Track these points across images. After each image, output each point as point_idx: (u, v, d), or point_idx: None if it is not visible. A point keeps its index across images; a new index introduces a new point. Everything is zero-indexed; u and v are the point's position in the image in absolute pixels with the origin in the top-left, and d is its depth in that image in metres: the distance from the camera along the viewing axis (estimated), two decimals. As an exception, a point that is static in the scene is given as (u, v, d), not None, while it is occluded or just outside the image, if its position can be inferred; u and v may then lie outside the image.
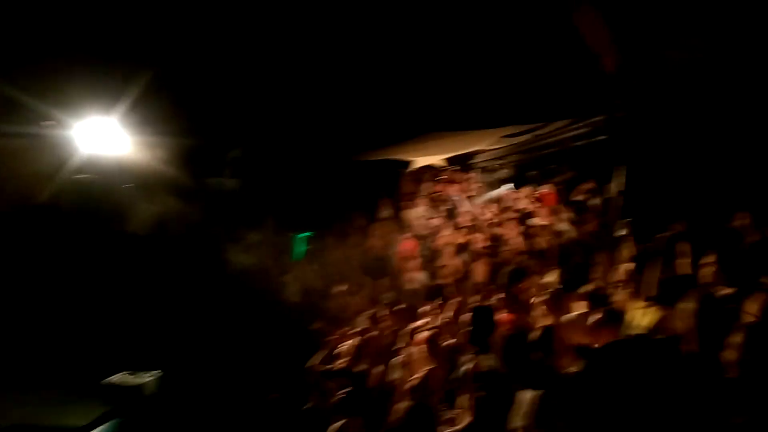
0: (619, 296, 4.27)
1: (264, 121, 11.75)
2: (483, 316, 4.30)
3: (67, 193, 10.26)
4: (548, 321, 4.39)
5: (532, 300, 4.80)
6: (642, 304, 3.82)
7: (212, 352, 7.10)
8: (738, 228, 5.14)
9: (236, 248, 9.26)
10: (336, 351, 5.76)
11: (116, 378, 6.36)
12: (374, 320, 6.15)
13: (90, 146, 9.94)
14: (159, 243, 9.81)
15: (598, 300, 4.37)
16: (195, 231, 9.55)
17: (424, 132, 10.99)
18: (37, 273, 9.06)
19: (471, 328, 4.16)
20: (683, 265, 4.16)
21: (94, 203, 10.24)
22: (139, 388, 6.21)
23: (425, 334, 4.34)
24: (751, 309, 2.92)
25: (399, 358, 4.31)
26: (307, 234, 9.94)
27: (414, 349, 4.33)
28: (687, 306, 2.80)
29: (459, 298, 5.31)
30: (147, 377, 6.44)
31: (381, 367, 4.76)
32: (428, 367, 4.12)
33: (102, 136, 9.96)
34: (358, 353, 5.16)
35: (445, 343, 4.38)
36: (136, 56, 10.64)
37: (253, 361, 6.98)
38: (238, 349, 7.08)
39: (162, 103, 10.47)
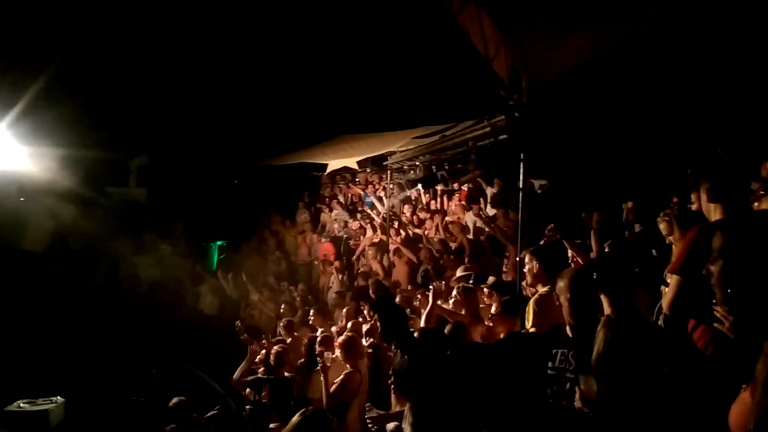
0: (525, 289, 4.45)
1: (172, 126, 11.30)
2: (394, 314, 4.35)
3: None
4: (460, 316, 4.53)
5: (444, 296, 4.92)
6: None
7: (121, 373, 6.73)
8: (625, 218, 5.54)
9: (145, 260, 8.83)
10: (257, 360, 5.66)
11: (14, 406, 5.87)
12: (291, 326, 6.09)
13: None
14: (57, 259, 9.17)
15: (503, 292, 4.56)
16: (98, 244, 8.99)
17: (337, 134, 10.99)
18: None
19: (382, 328, 4.19)
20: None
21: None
22: (44, 414, 5.77)
23: (341, 338, 4.35)
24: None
25: (318, 364, 4.30)
26: (222, 242, 9.65)
27: (331, 354, 4.33)
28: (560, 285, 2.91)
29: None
30: (49, 404, 5.99)
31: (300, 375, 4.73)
32: (346, 371, 4.13)
33: (-9, 146, 9.18)
34: (278, 360, 5.09)
35: (364, 345, 4.41)
36: (28, 58, 9.92)
37: (168, 378, 6.71)
38: (151, 367, 6.75)
39: (59, 109, 9.80)
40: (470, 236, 7.11)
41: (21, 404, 5.88)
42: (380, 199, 9.23)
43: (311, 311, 6.43)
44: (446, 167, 8.94)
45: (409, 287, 6.52)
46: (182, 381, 6.71)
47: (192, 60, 11.21)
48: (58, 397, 6.04)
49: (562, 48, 5.15)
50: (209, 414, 4.25)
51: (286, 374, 5.09)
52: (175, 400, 5.11)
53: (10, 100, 9.30)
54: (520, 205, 5.61)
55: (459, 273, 5.32)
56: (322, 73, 11.93)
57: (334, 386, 4.10)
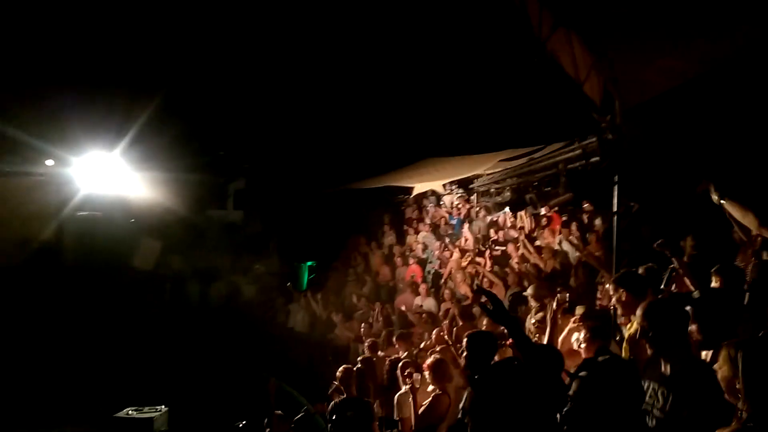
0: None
1: (268, 152, 11.91)
2: (481, 341, 4.32)
3: (70, 230, 10.33)
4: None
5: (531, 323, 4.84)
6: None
7: (220, 385, 7.10)
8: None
9: (242, 279, 9.30)
10: (339, 381, 5.73)
11: (123, 413, 6.35)
12: (376, 347, 6.15)
13: (91, 183, 10.04)
14: (164, 278, 9.85)
15: (593, 320, 4.40)
16: (200, 264, 9.58)
17: (423, 157, 11.12)
18: (43, 312, 9.06)
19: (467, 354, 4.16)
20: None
21: (97, 240, 10.30)
22: (149, 421, 6.20)
23: (429, 360, 4.35)
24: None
25: (405, 387, 4.32)
26: (312, 263, 9.98)
27: (418, 376, 4.34)
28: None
29: (467, 323, 5.33)
30: (154, 412, 6.42)
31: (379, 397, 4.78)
32: (435, 394, 4.13)
33: (103, 172, 10.06)
34: (361, 381, 5.13)
35: (453, 369, 4.39)
36: (136, 92, 10.82)
37: (260, 393, 6.97)
38: (246, 381, 7.07)
39: (163, 138, 10.62)
40: (561, 262, 6.93)
41: (129, 411, 6.34)
42: (468, 222, 9.21)
43: (395, 333, 6.48)
44: (535, 190, 8.82)
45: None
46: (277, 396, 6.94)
47: (286, 86, 11.79)
48: (163, 406, 6.45)
49: (654, 70, 5.03)
50: (297, 417, 4.36)
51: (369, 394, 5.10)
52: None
53: (123, 128, 10.22)
54: (615, 229, 5.42)
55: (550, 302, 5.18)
56: (411, 96, 12.14)
57: (422, 408, 4.11)
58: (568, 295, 4.55)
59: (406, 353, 5.73)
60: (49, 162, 10.46)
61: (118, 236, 10.32)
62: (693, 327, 2.76)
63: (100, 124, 10.30)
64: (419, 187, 10.52)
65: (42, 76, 10.79)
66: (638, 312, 2.73)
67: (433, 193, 10.30)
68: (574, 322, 4.37)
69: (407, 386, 4.20)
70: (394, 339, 6.30)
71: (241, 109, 11.83)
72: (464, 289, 7.64)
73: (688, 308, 2.81)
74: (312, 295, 8.67)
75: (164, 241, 10.20)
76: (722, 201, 3.89)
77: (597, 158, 7.58)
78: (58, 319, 9.05)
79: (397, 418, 4.51)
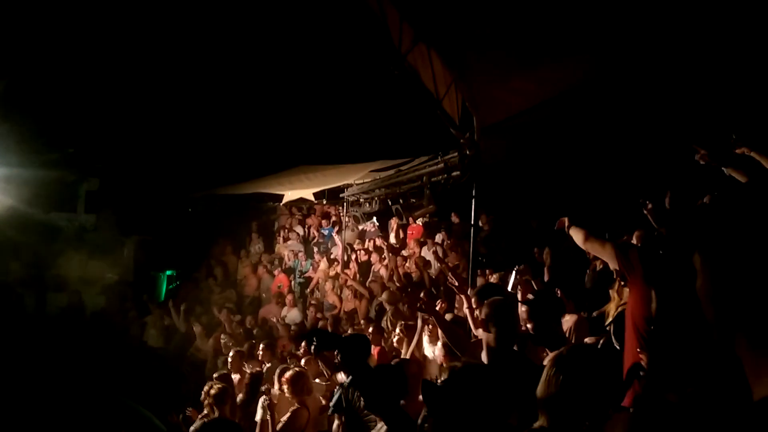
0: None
1: (125, 152, 11.04)
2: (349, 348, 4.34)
3: None
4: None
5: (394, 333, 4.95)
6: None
7: (54, 404, 6.41)
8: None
9: (90, 289, 8.51)
10: (203, 395, 5.46)
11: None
12: (242, 360, 5.94)
13: None
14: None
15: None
16: (41, 271, 8.64)
17: (294, 165, 11.00)
18: None
19: (338, 362, 4.17)
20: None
21: None
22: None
23: (288, 373, 4.27)
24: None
25: (265, 400, 4.20)
26: (171, 272, 9.40)
27: (277, 390, 4.25)
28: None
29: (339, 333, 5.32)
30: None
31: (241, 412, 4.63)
32: (293, 408, 4.06)
33: None
34: (222, 395, 4.93)
35: (312, 381, 4.35)
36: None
37: (113, 413, 6.43)
38: (96, 400, 6.46)
39: (7, 127, 9.47)
40: (430, 271, 7.18)
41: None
42: (336, 232, 9.24)
43: (261, 345, 6.30)
44: (401, 201, 9.06)
45: (362, 321, 6.49)
46: (122, 416, 6.44)
47: (149, 81, 11.08)
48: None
49: (509, 90, 5.28)
50: None
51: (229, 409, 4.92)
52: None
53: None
54: (471, 240, 5.69)
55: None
56: (282, 103, 11.99)
57: (280, 424, 4.01)
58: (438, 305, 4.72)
59: (269, 365, 5.60)
60: None
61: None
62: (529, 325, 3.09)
63: None
64: (289, 195, 10.38)
65: None
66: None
67: (304, 201, 10.22)
68: (429, 333, 4.53)
69: (263, 401, 4.09)
70: (257, 352, 6.13)
71: (95, 103, 10.89)
72: (332, 299, 7.65)
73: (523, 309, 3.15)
74: (171, 307, 8.17)
75: (1, 245, 9.08)
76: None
77: (458, 172, 7.96)
78: None
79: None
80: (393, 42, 5.62)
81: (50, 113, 10.51)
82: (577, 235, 3.60)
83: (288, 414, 4.05)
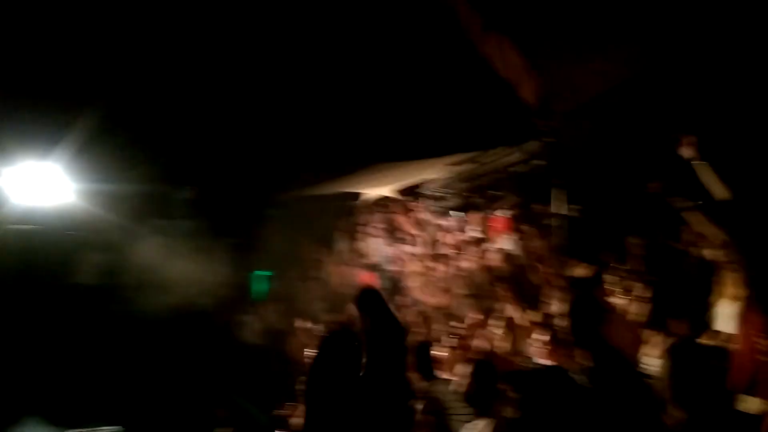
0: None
1: (217, 160, 11.66)
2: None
3: (5, 244, 9.81)
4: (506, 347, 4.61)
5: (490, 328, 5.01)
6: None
7: (175, 402, 6.95)
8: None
9: (194, 291, 9.11)
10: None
11: (77, 434, 6.16)
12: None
13: (26, 195, 9.57)
14: (109, 291, 9.51)
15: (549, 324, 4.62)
16: (148, 276, 9.31)
17: (371, 163, 11.19)
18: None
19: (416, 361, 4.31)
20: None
21: (35, 254, 9.83)
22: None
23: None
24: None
25: None
26: (267, 272, 9.89)
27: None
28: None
29: (424, 329, 5.45)
30: (107, 433, 6.26)
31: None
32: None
33: (39, 183, 9.60)
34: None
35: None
36: (75, 100, 10.39)
37: (216, 408, 6.90)
38: (201, 397, 6.96)
39: (106, 147, 10.23)
40: (511, 265, 7.17)
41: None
42: (419, 228, 9.36)
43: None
44: (482, 194, 9.06)
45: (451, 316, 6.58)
46: (230, 411, 6.88)
47: (232, 93, 11.59)
48: (119, 427, 6.29)
49: (589, 72, 5.18)
50: None
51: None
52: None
53: (60, 138, 9.77)
54: (555, 231, 5.63)
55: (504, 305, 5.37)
56: (359, 102, 12.19)
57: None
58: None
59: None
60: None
61: (57, 250, 9.88)
62: None
63: (34, 133, 9.83)
64: (369, 193, 10.60)
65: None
66: None
67: (385, 198, 10.40)
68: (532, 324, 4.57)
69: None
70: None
71: (186, 116, 11.53)
72: (418, 295, 7.78)
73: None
74: (268, 306, 8.60)
75: (109, 254, 9.84)
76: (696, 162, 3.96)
77: (540, 161, 7.87)
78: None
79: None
80: (464, 32, 5.63)
81: (145, 128, 11.22)
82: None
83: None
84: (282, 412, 5.48)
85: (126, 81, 11.13)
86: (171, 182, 11.90)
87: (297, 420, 4.82)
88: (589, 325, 3.06)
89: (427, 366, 4.36)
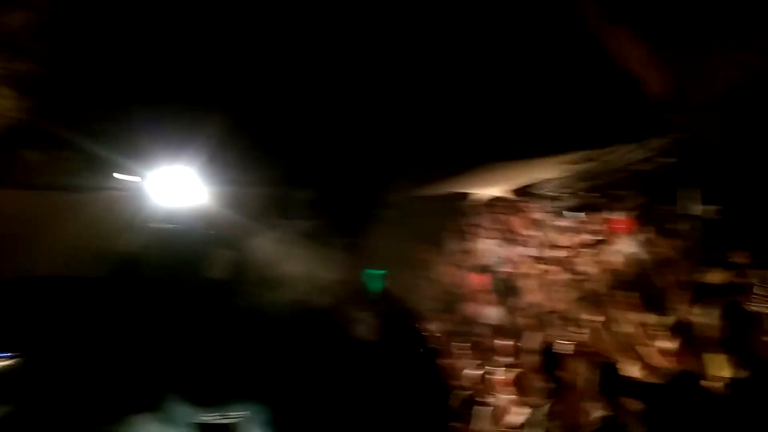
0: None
1: (331, 161, 12.22)
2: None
3: (148, 243, 10.87)
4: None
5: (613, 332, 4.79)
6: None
7: (299, 393, 7.39)
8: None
9: (313, 289, 9.60)
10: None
11: (207, 418, 6.72)
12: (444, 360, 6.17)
13: (166, 196, 10.57)
14: (237, 287, 10.26)
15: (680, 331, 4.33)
16: (271, 273, 9.93)
17: (483, 163, 11.07)
18: (126, 322, 9.55)
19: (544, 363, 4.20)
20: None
21: (173, 252, 10.80)
22: (232, 426, 6.55)
23: (511, 373, 4.36)
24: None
25: (487, 408, 4.31)
26: (381, 271, 10.17)
27: (501, 392, 4.36)
28: None
29: (541, 333, 5.32)
30: (235, 418, 6.75)
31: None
32: (524, 411, 4.12)
33: (177, 185, 10.57)
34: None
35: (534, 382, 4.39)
36: (209, 106, 11.32)
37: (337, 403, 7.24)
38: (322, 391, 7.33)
39: (235, 151, 11.08)
40: (635, 268, 6.78)
41: (214, 416, 6.69)
42: (534, 229, 9.12)
43: (463, 344, 6.49)
44: (604, 194, 8.64)
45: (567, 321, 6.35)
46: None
47: (348, 96, 12.05)
48: (245, 412, 6.78)
49: (722, 63, 4.87)
50: None
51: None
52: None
53: (197, 142, 10.73)
54: (684, 233, 5.26)
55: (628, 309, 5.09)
56: (466, 101, 12.14)
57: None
58: None
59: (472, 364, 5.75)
60: (127, 176, 11.11)
61: (192, 248, 10.81)
62: None
63: (175, 138, 10.86)
64: (481, 194, 10.49)
65: (120, 92, 11.48)
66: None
67: (498, 198, 10.25)
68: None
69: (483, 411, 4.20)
70: (458, 351, 6.32)
71: (304, 121, 12.17)
72: (534, 297, 7.59)
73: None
74: (381, 303, 8.83)
75: (237, 251, 10.62)
76: None
77: (669, 158, 7.38)
78: (139, 328, 9.51)
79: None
80: (585, 24, 5.44)
81: (268, 135, 11.99)
82: None
83: (517, 417, 4.12)
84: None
85: (251, 88, 11.95)
86: (290, 184, 12.66)
87: None
88: (735, 335, 2.83)
89: (553, 368, 4.22)
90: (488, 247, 9.47)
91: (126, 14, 11.98)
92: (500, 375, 4.81)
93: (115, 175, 11.58)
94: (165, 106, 11.46)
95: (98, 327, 9.25)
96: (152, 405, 7.62)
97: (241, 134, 11.70)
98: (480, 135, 11.72)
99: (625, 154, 8.14)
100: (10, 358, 7.41)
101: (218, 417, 6.71)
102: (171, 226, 10.91)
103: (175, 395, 7.80)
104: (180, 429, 7.19)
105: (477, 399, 4.78)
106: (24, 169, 11.78)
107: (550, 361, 4.32)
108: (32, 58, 11.44)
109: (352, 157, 12.09)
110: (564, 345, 4.62)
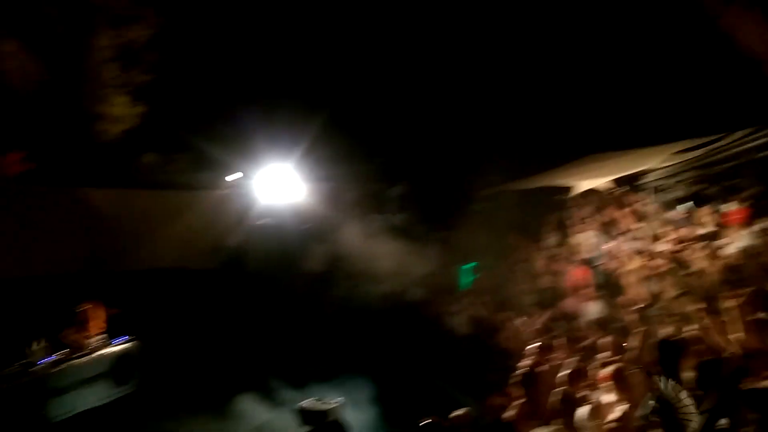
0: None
1: (425, 157, 12.33)
2: (671, 346, 4.09)
3: (253, 238, 11.48)
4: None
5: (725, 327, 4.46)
6: None
7: (393, 383, 7.56)
8: None
9: (409, 281, 9.74)
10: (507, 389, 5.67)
11: (307, 403, 7.00)
12: (544, 353, 6.00)
13: (270, 194, 11.12)
14: (335, 281, 10.61)
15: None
16: (366, 267, 10.16)
17: (585, 154, 10.67)
18: (235, 312, 10.14)
19: (659, 358, 3.97)
20: None
21: (275, 246, 11.32)
22: (330, 412, 6.79)
23: (611, 368, 4.18)
24: None
25: (587, 407, 4.14)
26: (473, 264, 10.10)
27: (601, 388, 4.18)
28: None
29: (644, 328, 5.05)
30: (332, 404, 6.98)
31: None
32: (624, 407, 3.95)
33: (280, 183, 11.08)
34: (527, 390, 5.05)
35: (636, 377, 4.18)
36: (308, 107, 11.80)
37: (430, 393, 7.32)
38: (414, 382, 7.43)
39: (331, 148, 11.48)
40: (751, 262, 6.26)
41: (312, 402, 6.97)
42: (640, 222, 8.67)
43: (560, 339, 6.29)
44: (716, 184, 8.07)
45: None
46: (439, 398, 7.21)
47: (444, 91, 12.09)
48: (340, 398, 7.01)
49: None
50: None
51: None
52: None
53: (297, 141, 11.21)
54: None
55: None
56: (566, 88, 11.75)
57: (612, 425, 3.91)
58: None
59: (570, 360, 5.56)
60: (236, 175, 11.84)
61: (292, 242, 11.29)
62: None
63: (276, 137, 11.41)
64: (582, 185, 10.11)
65: (226, 96, 12.25)
66: None
67: (599, 190, 9.84)
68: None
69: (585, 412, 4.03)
70: (557, 345, 6.14)
71: (399, 118, 12.36)
72: (638, 293, 7.21)
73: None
74: (474, 297, 8.77)
75: (333, 246, 10.97)
76: None
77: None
78: (244, 317, 10.08)
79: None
80: (701, 6, 5.13)
81: (362, 129, 12.31)
82: None
83: (617, 413, 3.95)
84: (493, 401, 5.51)
85: (347, 88, 12.31)
86: (384, 179, 12.88)
87: (510, 410, 4.84)
88: None
89: (672, 364, 3.98)
90: (589, 240, 9.11)
91: (230, 23, 12.76)
92: (601, 371, 4.63)
93: (223, 174, 12.37)
94: (268, 108, 12.09)
95: (209, 315, 9.88)
96: (257, 387, 8.08)
97: (337, 132, 12.07)
98: (580, 125, 11.30)
99: (739, 141, 7.55)
100: (129, 341, 8.08)
101: (316, 402, 6.96)
102: (272, 221, 11.45)
103: (277, 379, 8.25)
104: (282, 412, 7.55)
105: (576, 395, 4.63)
106: (142, 170, 12.86)
107: (663, 357, 4.10)
108: (146, 67, 12.47)
109: (444, 152, 12.11)
110: (672, 341, 4.37)
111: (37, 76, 11.98)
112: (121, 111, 12.70)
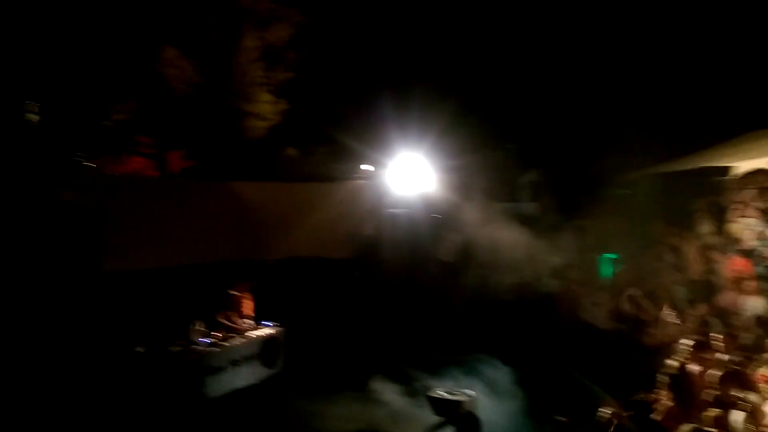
0: None
1: (559, 142, 11.78)
2: None
3: (386, 227, 11.77)
4: None
5: None
6: None
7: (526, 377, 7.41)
8: None
9: (543, 272, 9.44)
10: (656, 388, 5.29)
11: (440, 392, 7.08)
12: (698, 351, 5.49)
13: (402, 183, 11.32)
14: (466, 270, 10.56)
15: None
16: (496, 256, 9.99)
17: (745, 131, 9.55)
18: (369, 299, 10.50)
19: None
20: None
21: (407, 235, 11.51)
22: (460, 403, 6.82)
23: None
24: None
25: (743, 411, 3.75)
26: (614, 255, 9.50)
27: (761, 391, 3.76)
28: None
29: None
30: (463, 396, 6.98)
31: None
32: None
33: (411, 172, 11.23)
34: (677, 391, 4.67)
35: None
36: (439, 96, 11.82)
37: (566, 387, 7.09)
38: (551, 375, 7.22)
39: (461, 137, 11.40)
40: None
41: (443, 392, 7.03)
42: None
43: (718, 336, 5.71)
44: None
45: None
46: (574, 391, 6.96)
47: (578, 79, 11.46)
48: (472, 392, 7.00)
49: None
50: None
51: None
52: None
53: (427, 130, 11.30)
54: None
55: None
56: (719, 59, 10.62)
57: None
58: None
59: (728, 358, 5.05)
60: (370, 165, 12.21)
61: (423, 231, 11.40)
62: None
63: (410, 127, 11.59)
64: (743, 166, 9.05)
65: (364, 92, 12.68)
66: None
67: (764, 171, 8.75)
68: None
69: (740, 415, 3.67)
70: (714, 342, 5.59)
71: (532, 100, 11.93)
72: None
73: None
74: (615, 290, 8.26)
75: (463, 235, 10.90)
76: None
77: None
78: (379, 304, 10.39)
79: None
80: None
81: (495, 116, 12.07)
82: None
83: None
84: (643, 397, 5.17)
85: (479, 77, 12.15)
86: (517, 166, 12.53)
87: (661, 407, 4.55)
88: None
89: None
90: (750, 228, 8.14)
91: (362, 14, 13.13)
92: (761, 372, 4.17)
93: (358, 164, 12.82)
94: (400, 98, 12.31)
95: (346, 302, 10.32)
96: (392, 372, 8.31)
97: (468, 120, 11.95)
98: (738, 99, 10.13)
99: None
100: (276, 327, 8.68)
101: (449, 393, 7.01)
102: (405, 211, 11.64)
103: (411, 365, 8.43)
104: (416, 398, 7.69)
105: (732, 397, 4.20)
106: (285, 164, 13.72)
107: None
108: (287, 65, 13.25)
109: (580, 134, 11.47)
110: None
111: (193, 80, 13.27)
112: (265, 108, 13.66)
